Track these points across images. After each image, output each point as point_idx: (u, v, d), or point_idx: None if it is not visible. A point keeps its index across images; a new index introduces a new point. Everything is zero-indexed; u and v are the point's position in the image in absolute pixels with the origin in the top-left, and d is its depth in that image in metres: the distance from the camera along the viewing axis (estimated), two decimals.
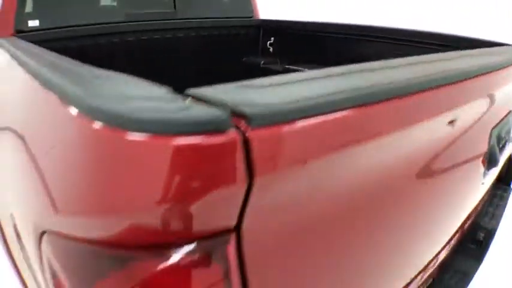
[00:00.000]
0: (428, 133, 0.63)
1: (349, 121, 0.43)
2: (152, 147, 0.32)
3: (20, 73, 0.65)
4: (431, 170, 0.73)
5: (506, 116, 1.09)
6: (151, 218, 0.33)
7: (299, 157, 0.39)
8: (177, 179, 0.32)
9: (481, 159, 0.94)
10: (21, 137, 0.57)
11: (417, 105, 0.56)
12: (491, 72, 0.79)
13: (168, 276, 0.35)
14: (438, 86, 0.57)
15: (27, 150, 0.52)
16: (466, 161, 0.89)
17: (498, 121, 1.00)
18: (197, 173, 0.32)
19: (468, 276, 1.28)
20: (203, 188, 0.33)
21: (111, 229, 0.35)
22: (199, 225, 0.35)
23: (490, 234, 1.40)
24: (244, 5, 2.08)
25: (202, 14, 1.92)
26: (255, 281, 0.39)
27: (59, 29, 1.57)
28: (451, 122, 0.69)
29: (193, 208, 0.34)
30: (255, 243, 0.39)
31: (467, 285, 1.27)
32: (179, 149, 0.31)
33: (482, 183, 1.07)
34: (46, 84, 0.49)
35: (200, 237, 0.36)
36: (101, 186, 0.35)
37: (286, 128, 0.36)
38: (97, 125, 0.34)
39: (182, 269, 0.36)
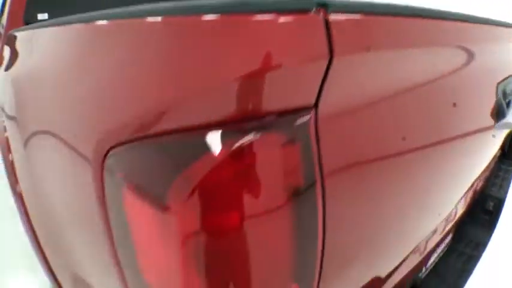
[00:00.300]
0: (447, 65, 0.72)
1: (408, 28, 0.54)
2: (249, 23, 0.36)
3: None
4: (452, 116, 0.79)
5: (510, 75, 1.17)
6: (243, 92, 0.36)
7: (369, 44, 0.45)
8: (268, 50, 0.36)
9: (490, 109, 1.01)
10: None
11: (446, 31, 0.66)
12: (500, 26, 0.90)
13: (256, 153, 0.37)
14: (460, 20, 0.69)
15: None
16: (478, 110, 0.96)
17: (503, 78, 1.07)
18: (287, 47, 0.37)
19: (483, 245, 1.33)
20: (292, 61, 0.37)
21: (205, 111, 0.38)
22: (285, 100, 0.39)
23: (500, 203, 1.46)
24: None
25: None
26: (328, 155, 0.43)
27: None
28: (466, 64, 0.78)
29: (281, 81, 0.37)
30: (329, 121, 0.43)
31: (482, 253, 1.32)
32: (272, 24, 0.36)
33: (493, 136, 1.12)
34: None
35: (285, 114, 0.39)
36: (194, 64, 0.38)
37: (359, 18, 0.43)
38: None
39: (268, 146, 0.38)
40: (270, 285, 0.41)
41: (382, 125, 0.54)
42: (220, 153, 0.36)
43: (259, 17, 0.36)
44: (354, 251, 0.56)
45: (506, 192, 1.49)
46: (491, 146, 1.23)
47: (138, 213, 0.42)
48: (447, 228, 1.07)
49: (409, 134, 0.61)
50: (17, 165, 1.06)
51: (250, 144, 0.37)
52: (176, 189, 0.37)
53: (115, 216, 0.48)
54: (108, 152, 0.46)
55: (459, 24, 0.70)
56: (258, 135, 0.37)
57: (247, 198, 0.36)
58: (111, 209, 0.49)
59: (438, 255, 1.11)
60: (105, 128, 0.48)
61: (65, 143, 0.60)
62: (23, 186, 1.04)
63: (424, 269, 1.01)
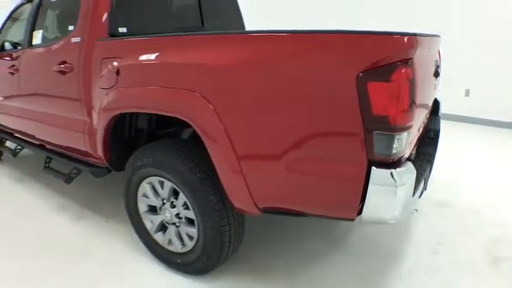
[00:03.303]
0: None
1: None
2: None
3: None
4: None
5: None
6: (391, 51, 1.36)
7: None
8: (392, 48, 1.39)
9: None
10: None
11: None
12: None
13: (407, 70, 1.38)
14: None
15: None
16: None
17: None
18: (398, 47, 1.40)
19: (432, 156, 2.40)
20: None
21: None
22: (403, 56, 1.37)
23: (437, 132, 2.56)
24: (240, 22, 3.46)
25: (217, 29, 3.06)
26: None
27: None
28: None
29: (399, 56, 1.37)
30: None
31: (433, 162, 2.39)
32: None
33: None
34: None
35: (398, 61, 1.36)
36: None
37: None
38: None
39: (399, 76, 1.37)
40: None
41: None
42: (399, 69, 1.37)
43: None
44: None
45: (439, 127, 2.60)
46: None
47: (378, 88, 1.38)
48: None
49: None
50: None
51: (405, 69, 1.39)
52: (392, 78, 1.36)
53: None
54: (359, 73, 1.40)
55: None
56: (405, 68, 1.37)
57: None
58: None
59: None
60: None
61: None
62: None
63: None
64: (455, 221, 2.76)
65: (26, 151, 3.85)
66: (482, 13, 5.37)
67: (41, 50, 2.81)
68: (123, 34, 2.29)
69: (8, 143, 4.02)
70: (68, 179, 2.73)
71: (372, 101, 1.38)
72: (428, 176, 2.15)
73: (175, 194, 2.00)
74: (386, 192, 1.45)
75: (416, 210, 2.83)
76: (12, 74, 3.07)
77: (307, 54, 1.50)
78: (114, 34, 2.26)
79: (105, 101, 2.09)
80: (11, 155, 3.71)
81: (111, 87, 2.05)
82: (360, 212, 1.52)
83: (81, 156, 2.63)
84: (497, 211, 2.89)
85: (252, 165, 1.66)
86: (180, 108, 1.76)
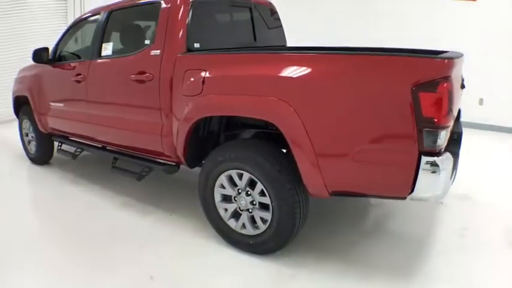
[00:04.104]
0: None
1: None
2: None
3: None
4: None
5: None
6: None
7: None
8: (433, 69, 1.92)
9: None
10: None
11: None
12: None
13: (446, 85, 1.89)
14: None
15: None
16: None
17: None
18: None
19: (457, 154, 2.89)
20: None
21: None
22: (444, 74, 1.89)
23: (460, 134, 3.05)
24: (283, 39, 3.99)
25: (267, 44, 3.63)
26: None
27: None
28: None
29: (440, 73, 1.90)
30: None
31: (458, 160, 2.88)
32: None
33: None
34: None
35: (441, 77, 1.88)
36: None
37: None
38: None
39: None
40: None
41: None
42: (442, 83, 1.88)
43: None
44: None
45: (461, 130, 3.09)
46: None
47: (427, 98, 1.89)
48: None
49: None
50: None
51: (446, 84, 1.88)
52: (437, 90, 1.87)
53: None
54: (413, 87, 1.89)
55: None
56: (446, 82, 1.87)
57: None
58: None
59: None
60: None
61: None
62: None
63: None
64: (476, 211, 3.27)
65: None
66: (495, 26, 5.92)
67: (114, 60, 3.29)
68: (197, 49, 2.78)
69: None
70: (140, 177, 3.17)
71: (423, 106, 1.88)
72: (456, 169, 2.65)
73: (250, 184, 2.45)
74: (433, 175, 1.95)
75: (442, 203, 3.31)
76: (78, 82, 3.54)
77: (373, 70, 2.02)
78: (190, 49, 2.76)
79: (190, 107, 2.55)
80: (70, 157, 4.13)
81: (196, 95, 2.52)
82: (411, 192, 2.01)
83: (152, 156, 3.09)
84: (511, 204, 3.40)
85: (327, 159, 2.13)
86: (270, 113, 2.24)
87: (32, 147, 4.77)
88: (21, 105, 4.81)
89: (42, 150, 4.64)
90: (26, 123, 4.76)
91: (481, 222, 3.07)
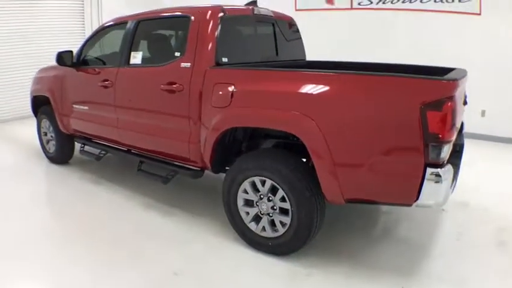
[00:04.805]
0: None
1: None
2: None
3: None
4: None
5: None
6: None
7: None
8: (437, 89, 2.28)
9: None
10: None
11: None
12: None
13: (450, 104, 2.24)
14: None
15: None
16: None
17: None
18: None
19: (458, 165, 3.23)
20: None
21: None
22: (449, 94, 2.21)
23: (461, 146, 3.39)
24: (303, 52, 4.33)
25: (288, 58, 3.96)
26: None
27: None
28: None
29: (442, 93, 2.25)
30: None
31: (459, 171, 3.21)
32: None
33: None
34: None
35: (446, 97, 2.20)
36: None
37: None
38: None
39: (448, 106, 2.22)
40: None
41: None
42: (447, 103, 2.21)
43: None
44: None
45: (463, 141, 3.44)
46: None
47: (433, 116, 2.21)
48: None
49: None
50: None
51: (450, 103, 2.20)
52: (442, 109, 2.21)
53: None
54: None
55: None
56: (450, 102, 2.21)
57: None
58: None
59: None
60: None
61: None
62: None
63: None
64: (472, 216, 3.63)
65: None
66: (498, 39, 6.25)
67: (143, 69, 3.59)
68: (225, 63, 3.09)
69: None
70: (165, 180, 3.46)
71: (429, 124, 2.20)
72: (456, 179, 2.99)
73: (272, 190, 2.75)
74: (436, 184, 2.29)
75: (443, 209, 3.66)
76: (105, 87, 3.81)
77: (385, 89, 2.36)
78: (218, 62, 3.07)
79: (219, 117, 2.86)
80: (93, 159, 4.40)
81: (225, 106, 2.84)
82: (416, 199, 2.35)
83: (178, 161, 3.39)
84: (504, 209, 3.77)
85: (344, 169, 2.45)
86: (294, 126, 2.56)
87: (51, 147, 5.04)
88: (39, 104, 5.06)
89: (63, 150, 4.91)
90: (45, 123, 5.01)
91: (476, 226, 3.44)
